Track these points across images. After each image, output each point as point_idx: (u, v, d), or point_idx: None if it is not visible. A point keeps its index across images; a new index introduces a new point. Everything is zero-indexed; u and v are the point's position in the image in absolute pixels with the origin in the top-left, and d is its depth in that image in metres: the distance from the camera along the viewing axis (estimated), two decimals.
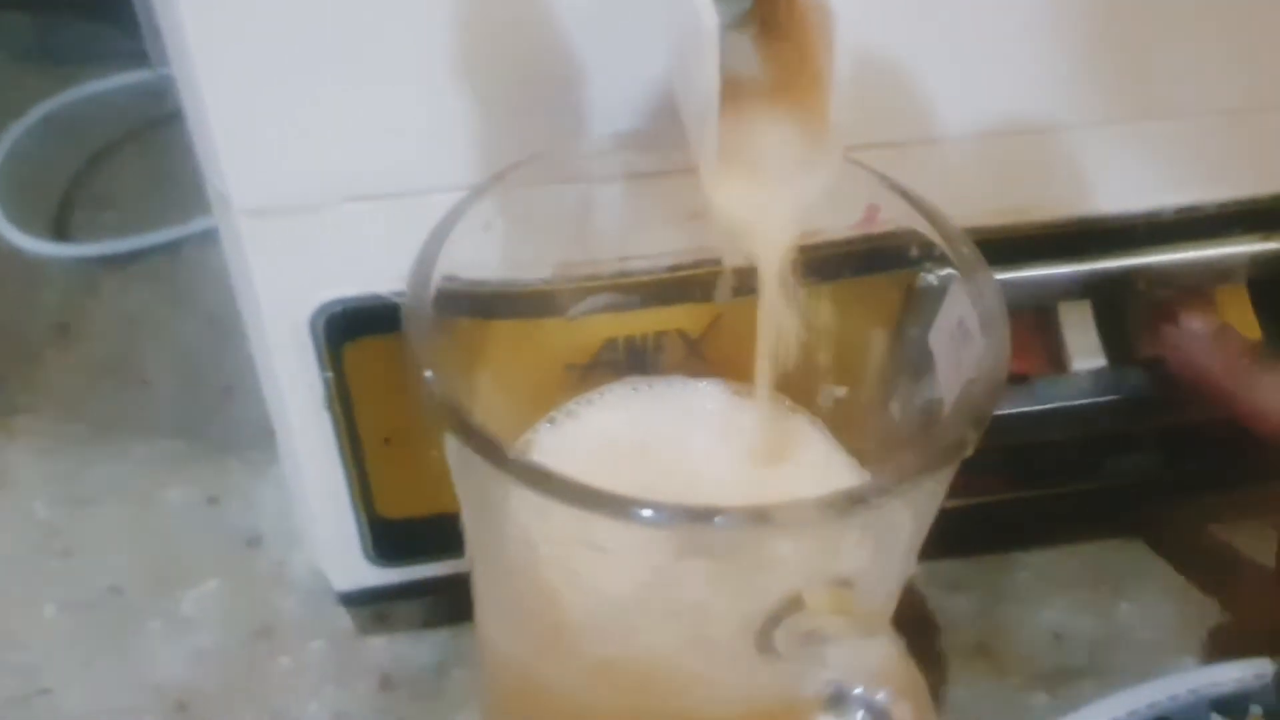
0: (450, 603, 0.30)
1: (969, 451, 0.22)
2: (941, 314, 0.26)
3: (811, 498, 0.21)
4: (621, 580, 0.24)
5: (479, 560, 0.27)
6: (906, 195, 0.26)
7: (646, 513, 0.21)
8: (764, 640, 0.23)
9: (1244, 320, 0.36)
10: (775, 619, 0.22)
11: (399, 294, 0.25)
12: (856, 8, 0.23)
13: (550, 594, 0.25)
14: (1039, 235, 0.33)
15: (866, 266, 0.29)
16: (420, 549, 0.35)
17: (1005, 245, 0.32)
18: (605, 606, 0.25)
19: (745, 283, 0.27)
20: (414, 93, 0.28)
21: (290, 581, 0.40)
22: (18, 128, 0.54)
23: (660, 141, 0.28)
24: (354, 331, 0.31)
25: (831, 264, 0.29)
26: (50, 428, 0.44)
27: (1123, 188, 0.33)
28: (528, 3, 0.27)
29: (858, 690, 0.21)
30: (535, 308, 0.29)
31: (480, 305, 0.28)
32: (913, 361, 0.28)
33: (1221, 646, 0.38)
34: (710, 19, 0.23)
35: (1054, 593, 0.40)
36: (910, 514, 0.24)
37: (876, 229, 0.28)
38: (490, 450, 0.22)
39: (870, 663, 0.21)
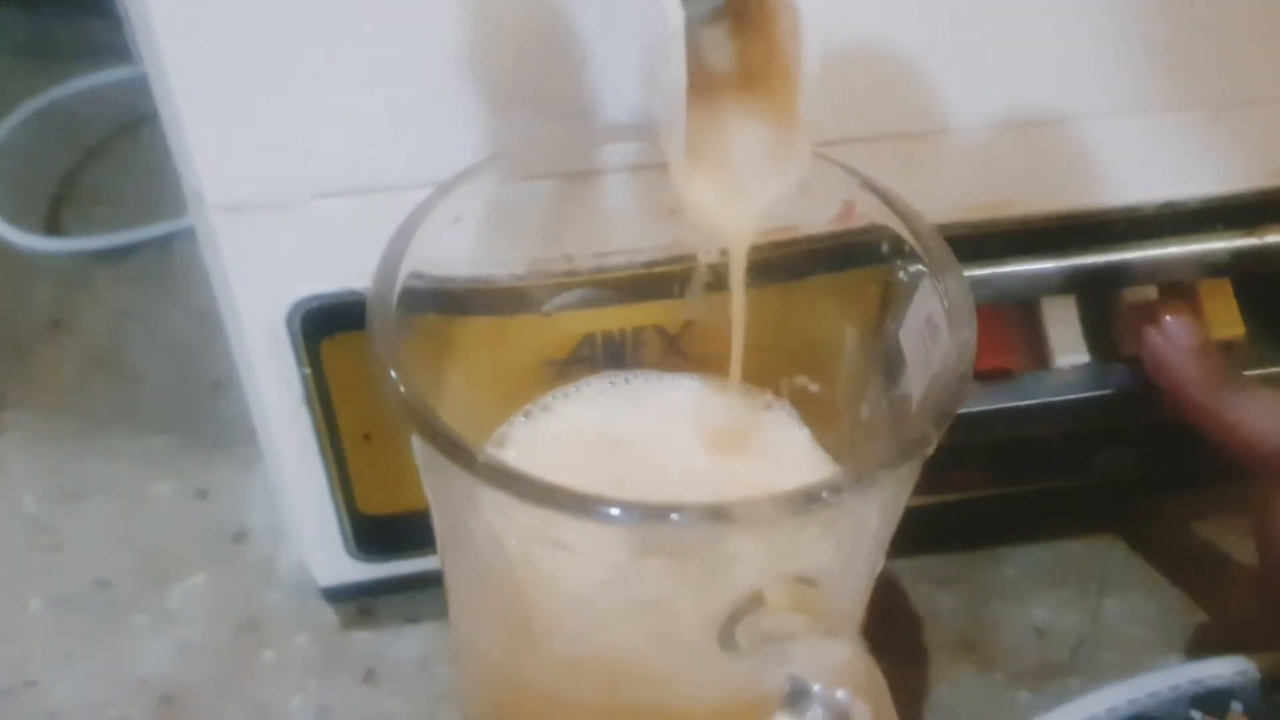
0: (433, 597, 0.30)
1: (930, 449, 0.22)
2: (911, 311, 0.26)
3: (769, 495, 0.21)
4: (586, 577, 0.24)
5: (449, 558, 0.27)
6: (878, 191, 0.26)
7: (605, 510, 0.21)
8: (726, 637, 0.23)
9: (1228, 314, 0.35)
10: (736, 616, 0.22)
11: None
12: (832, 3, 0.23)
13: (518, 592, 0.25)
14: (1020, 230, 0.33)
15: (842, 262, 0.29)
16: (402, 544, 0.35)
17: (986, 240, 0.33)
18: (571, 603, 0.25)
19: (723, 279, 0.27)
20: (384, 89, 0.28)
21: (276, 576, 0.40)
22: (10, 122, 0.54)
23: (634, 136, 0.28)
24: (331, 327, 0.31)
25: (808, 259, 0.29)
26: (40, 422, 0.44)
27: (1104, 183, 0.33)
28: (498, 1, 0.27)
29: (816, 688, 0.21)
30: (510, 304, 0.29)
31: (453, 301, 0.28)
32: (888, 358, 0.28)
33: (1204, 644, 0.38)
34: (676, 14, 0.23)
35: (1039, 589, 0.39)
36: (874, 510, 0.24)
37: (853, 224, 0.28)
38: (453, 449, 0.22)
39: (830, 661, 0.21)
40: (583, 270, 0.30)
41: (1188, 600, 0.39)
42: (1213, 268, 0.34)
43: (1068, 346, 0.36)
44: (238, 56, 0.27)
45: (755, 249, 0.27)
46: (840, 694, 0.21)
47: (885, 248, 0.27)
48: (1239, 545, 0.39)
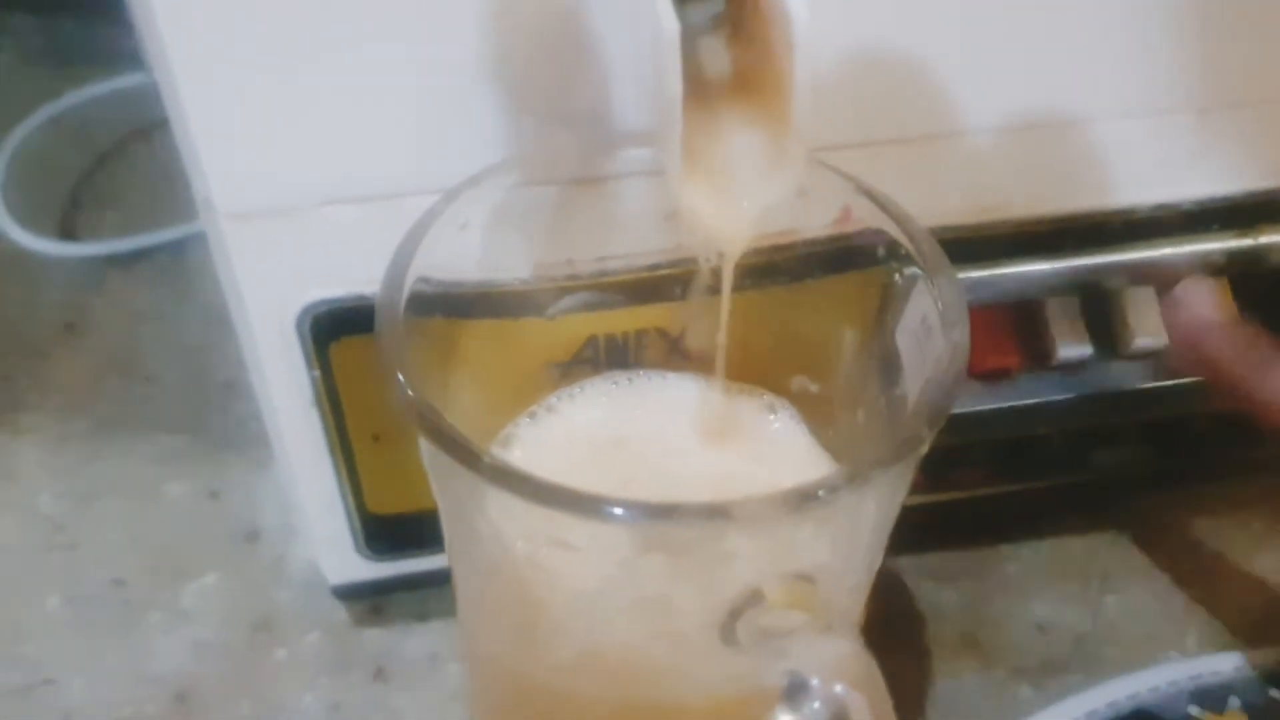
0: (443, 596, 0.31)
1: (925, 448, 0.23)
2: (907, 312, 0.26)
3: (766, 494, 0.21)
4: (590, 575, 0.25)
5: (456, 557, 0.28)
6: (873, 196, 0.27)
7: (608, 510, 0.21)
8: (727, 633, 0.23)
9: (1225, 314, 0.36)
10: (737, 612, 0.23)
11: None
12: (828, 12, 0.23)
13: (524, 589, 0.26)
14: (1017, 233, 0.33)
15: (840, 265, 0.29)
16: (411, 543, 0.36)
17: (983, 242, 0.33)
18: (576, 601, 0.25)
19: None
20: (389, 100, 0.28)
21: (288, 575, 0.40)
22: (23, 128, 0.55)
23: (635, 143, 0.29)
24: (340, 331, 0.31)
25: (807, 262, 0.29)
26: (56, 424, 0.45)
27: (1100, 185, 0.33)
28: (509, 5, 0.28)
29: (815, 682, 0.21)
30: (514, 307, 0.30)
31: (459, 305, 0.28)
32: (885, 358, 0.28)
33: (1204, 640, 0.38)
34: (671, 25, 0.23)
35: (1041, 586, 0.40)
36: (870, 508, 0.24)
37: (850, 228, 0.29)
38: (460, 450, 0.23)
39: (828, 656, 0.22)
40: (585, 274, 0.30)
41: (1188, 596, 0.39)
42: (1209, 268, 0.35)
43: (1071, 345, 0.36)
44: (246, 70, 0.27)
45: (756, 252, 0.27)
46: (838, 688, 0.21)
47: (881, 251, 0.27)
48: (1240, 542, 0.40)
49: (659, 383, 0.31)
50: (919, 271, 0.26)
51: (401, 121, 0.29)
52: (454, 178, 0.27)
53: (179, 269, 0.50)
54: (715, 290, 0.29)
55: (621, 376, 0.31)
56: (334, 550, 0.36)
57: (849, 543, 0.25)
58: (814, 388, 0.30)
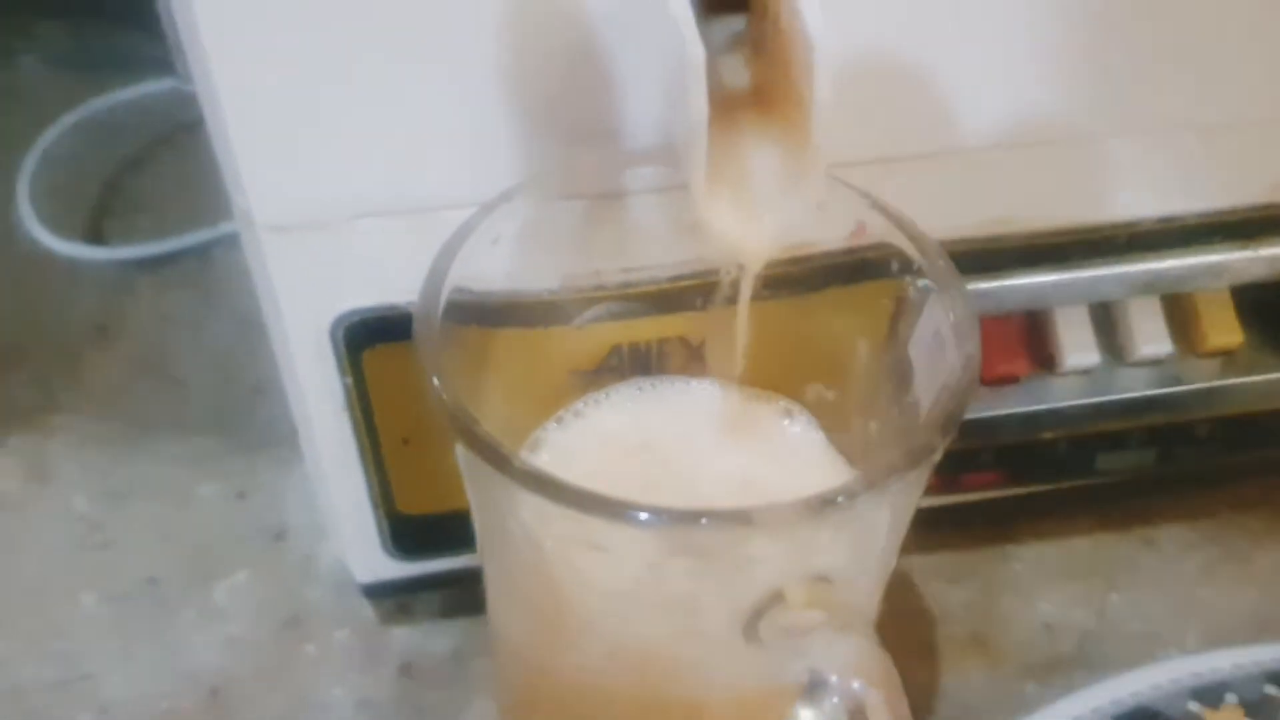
0: (468, 594, 0.32)
1: (938, 456, 0.24)
2: (920, 324, 0.28)
3: (788, 500, 0.22)
4: (619, 576, 0.26)
5: (488, 557, 0.29)
6: (887, 212, 0.28)
7: (637, 515, 0.22)
8: (750, 631, 0.24)
9: (1227, 322, 0.37)
10: (758, 612, 0.24)
11: (414, 304, 0.26)
12: (846, 33, 0.24)
13: (554, 588, 0.27)
14: (1025, 245, 0.34)
15: (855, 277, 0.30)
16: (438, 544, 0.37)
17: (992, 255, 0.34)
18: (604, 600, 0.26)
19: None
20: (424, 117, 0.29)
21: (317, 573, 0.41)
22: (51, 134, 0.55)
23: (659, 159, 0.30)
24: (372, 339, 0.32)
25: (824, 274, 0.30)
26: (89, 425, 0.46)
27: (1105, 198, 0.34)
28: (539, 27, 0.29)
29: (833, 679, 0.22)
30: (542, 317, 0.31)
31: (490, 315, 0.30)
32: (898, 368, 0.29)
33: (1204, 638, 0.39)
34: (697, 50, 0.24)
35: (1047, 586, 0.41)
36: (885, 513, 0.25)
37: (865, 242, 0.30)
38: (494, 455, 0.24)
39: (846, 654, 0.23)
40: (611, 285, 0.31)
41: (1189, 596, 0.40)
42: (1211, 279, 0.36)
43: (1079, 353, 0.37)
44: (287, 87, 0.28)
45: (775, 264, 0.28)
46: (855, 684, 0.22)
47: (895, 265, 0.28)
48: (1240, 542, 0.40)
49: (681, 388, 0.32)
50: (931, 286, 0.27)
51: (434, 140, 0.30)
52: (482, 193, 0.28)
53: (207, 273, 0.51)
54: (735, 301, 0.30)
55: (645, 382, 0.32)
56: (362, 550, 0.37)
57: (865, 546, 0.26)
58: (829, 394, 0.31)
